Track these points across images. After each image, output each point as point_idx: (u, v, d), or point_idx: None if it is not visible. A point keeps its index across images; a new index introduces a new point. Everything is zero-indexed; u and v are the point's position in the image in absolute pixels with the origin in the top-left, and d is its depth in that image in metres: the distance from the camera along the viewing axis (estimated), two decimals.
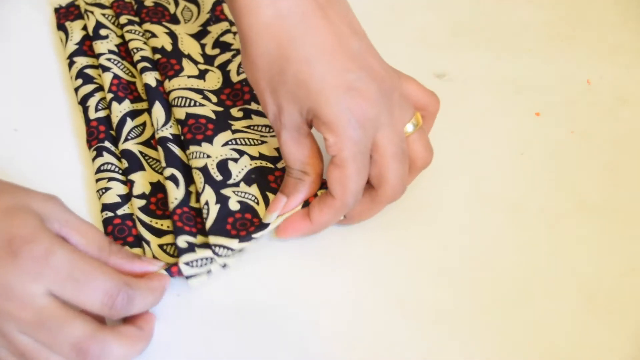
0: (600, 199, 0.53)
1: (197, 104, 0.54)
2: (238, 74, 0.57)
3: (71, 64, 0.58)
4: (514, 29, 0.62)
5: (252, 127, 0.54)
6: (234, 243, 0.48)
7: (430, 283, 0.49)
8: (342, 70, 0.46)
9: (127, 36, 0.58)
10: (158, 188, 0.52)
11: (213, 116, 0.54)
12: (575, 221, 0.52)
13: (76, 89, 0.57)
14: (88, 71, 0.58)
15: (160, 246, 0.50)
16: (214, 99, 0.55)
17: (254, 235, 0.49)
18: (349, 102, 0.45)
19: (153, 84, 0.55)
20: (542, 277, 0.49)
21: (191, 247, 0.48)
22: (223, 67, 0.57)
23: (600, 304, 0.48)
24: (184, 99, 0.54)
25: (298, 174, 0.49)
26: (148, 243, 0.49)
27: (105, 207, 0.51)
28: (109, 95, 0.55)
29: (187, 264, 0.48)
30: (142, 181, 0.52)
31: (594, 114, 0.57)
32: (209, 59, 0.58)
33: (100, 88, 0.57)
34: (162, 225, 0.50)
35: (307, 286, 0.49)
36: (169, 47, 0.58)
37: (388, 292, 0.48)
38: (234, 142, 0.53)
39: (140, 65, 0.56)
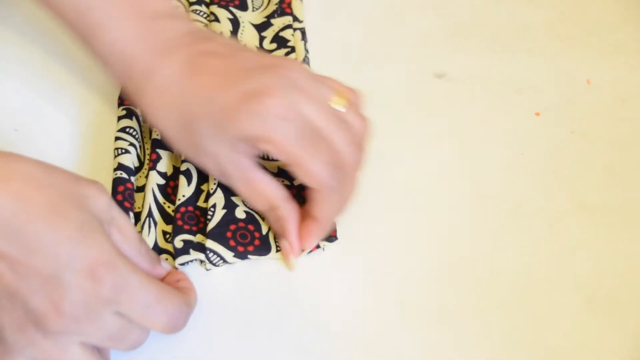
0: (600, 199, 0.53)
1: None
2: None
3: None
4: (514, 29, 0.62)
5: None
6: (228, 255, 0.49)
7: (430, 283, 0.49)
8: (235, 88, 0.45)
9: (191, 16, 0.59)
10: (177, 175, 0.52)
11: None
12: (575, 221, 0.52)
13: None
14: None
15: (164, 233, 0.50)
16: None
17: (250, 256, 0.49)
18: (255, 107, 0.44)
19: None
20: (542, 277, 0.49)
21: (186, 248, 0.48)
22: None
23: (600, 304, 0.48)
24: None
25: (272, 214, 0.48)
26: (155, 224, 0.50)
27: (120, 167, 0.51)
28: None
29: (181, 264, 0.48)
30: (167, 160, 0.52)
31: (594, 114, 0.57)
32: None
33: None
34: (173, 212, 0.51)
35: (307, 286, 0.49)
36: (227, 35, 0.58)
37: (388, 291, 0.48)
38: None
39: None
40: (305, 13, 0.62)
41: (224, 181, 0.48)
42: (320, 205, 0.47)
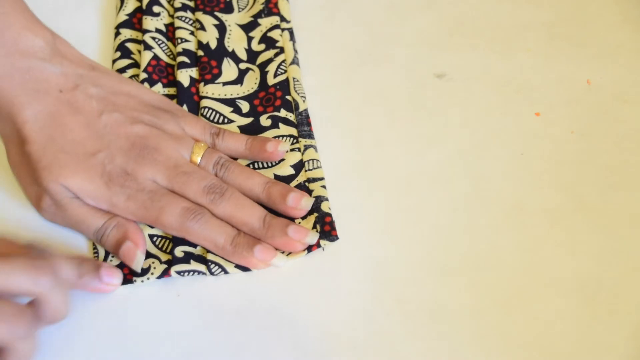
0: (600, 199, 0.53)
1: (226, 120, 0.55)
2: (275, 76, 0.57)
3: (117, 34, 0.59)
4: (514, 29, 0.62)
5: (276, 139, 0.54)
6: (229, 266, 0.49)
7: (430, 283, 0.49)
8: (90, 160, 0.49)
9: (176, 23, 0.59)
10: None
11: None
12: (575, 221, 0.52)
13: (113, 61, 0.58)
14: (129, 45, 0.58)
15: (151, 236, 0.50)
16: (246, 107, 0.56)
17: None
18: (101, 181, 0.49)
19: (186, 83, 0.56)
20: (542, 277, 0.49)
21: (187, 258, 0.48)
22: (263, 67, 0.58)
23: (600, 304, 0.48)
24: (213, 112, 0.55)
25: (110, 225, 0.49)
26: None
27: None
28: (143, 75, 0.56)
29: (178, 272, 0.48)
30: None
31: (594, 114, 0.57)
32: (252, 56, 0.58)
33: (135, 64, 0.57)
34: None
35: (307, 286, 0.49)
36: (213, 44, 0.58)
37: (388, 292, 0.48)
38: (251, 165, 0.53)
39: (179, 59, 0.57)
40: (305, 13, 0.62)
41: (51, 218, 0.50)
42: (197, 242, 0.49)
